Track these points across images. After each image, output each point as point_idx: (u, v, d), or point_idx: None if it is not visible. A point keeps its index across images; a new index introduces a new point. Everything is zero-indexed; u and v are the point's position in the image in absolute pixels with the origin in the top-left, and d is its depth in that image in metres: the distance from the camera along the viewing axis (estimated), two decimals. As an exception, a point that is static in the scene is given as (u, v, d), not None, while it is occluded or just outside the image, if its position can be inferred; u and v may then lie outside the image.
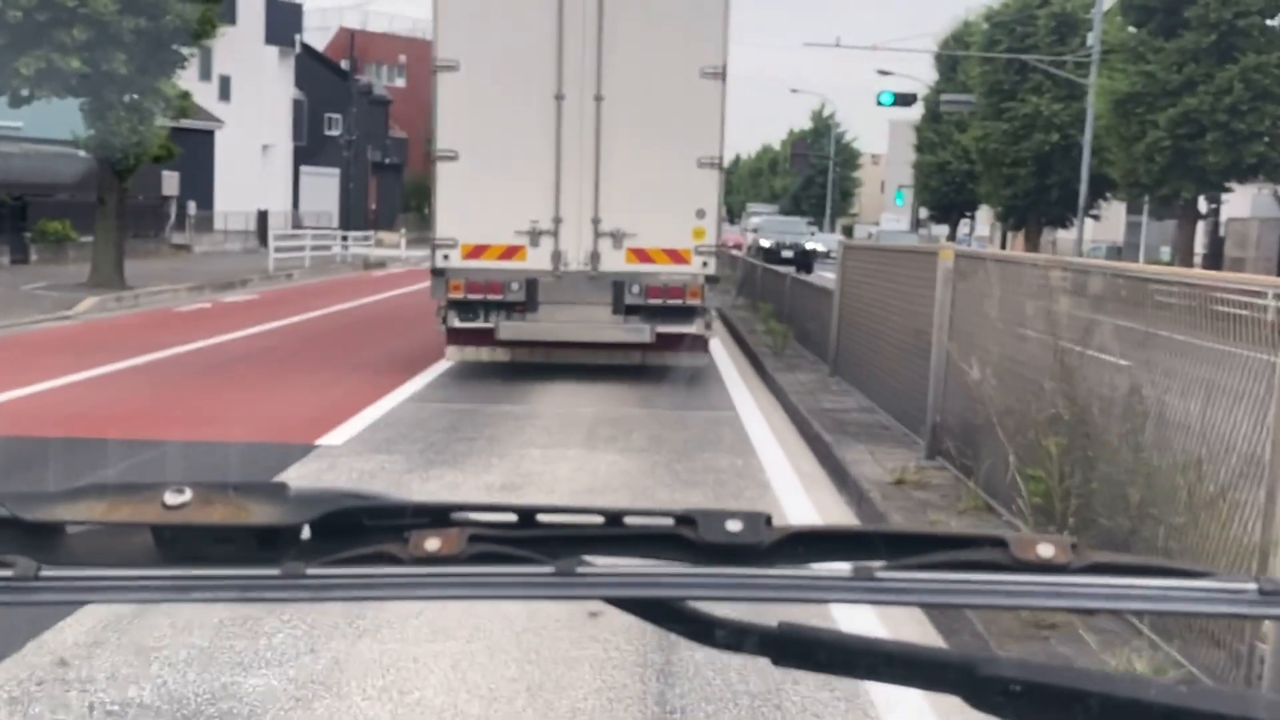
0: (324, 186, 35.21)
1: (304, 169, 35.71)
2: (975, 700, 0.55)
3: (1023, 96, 25.74)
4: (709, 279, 7.61)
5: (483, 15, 7.30)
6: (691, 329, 7.63)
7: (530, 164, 7.38)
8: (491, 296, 7.46)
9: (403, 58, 47.21)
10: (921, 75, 32.72)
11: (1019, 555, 0.57)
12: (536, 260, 7.50)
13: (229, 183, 27.59)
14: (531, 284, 7.52)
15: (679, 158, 7.38)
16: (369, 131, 38.29)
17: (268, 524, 0.57)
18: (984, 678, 0.55)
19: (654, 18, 7.37)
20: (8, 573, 0.55)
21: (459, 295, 7.47)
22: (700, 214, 7.45)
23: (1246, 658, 2.54)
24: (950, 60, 33.43)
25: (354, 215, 35.98)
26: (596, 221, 7.53)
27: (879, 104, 24.10)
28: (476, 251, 7.43)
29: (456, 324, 7.59)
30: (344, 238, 25.38)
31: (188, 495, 0.57)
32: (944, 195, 35.19)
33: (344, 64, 36.11)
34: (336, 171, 36.34)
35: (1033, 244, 28.47)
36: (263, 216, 27.70)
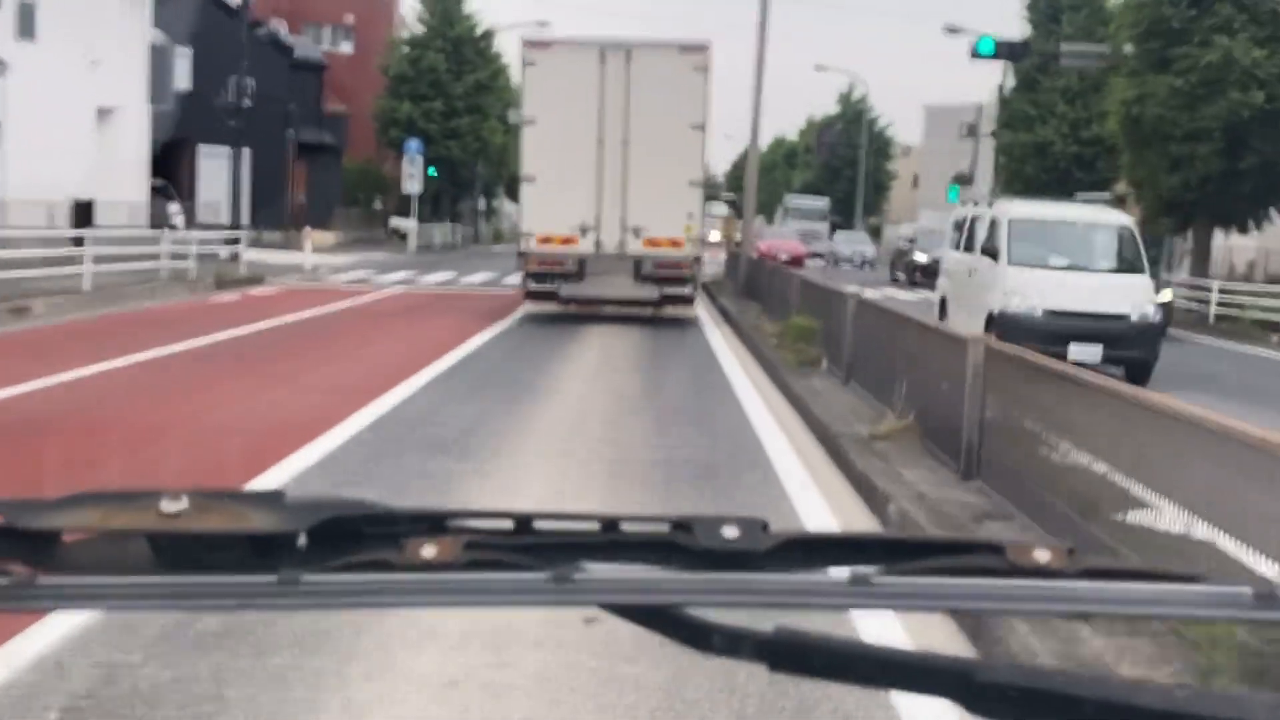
0: (234, 170, 33.37)
1: (203, 148, 34.42)
2: (971, 705, 0.72)
3: (1203, 39, 21.83)
4: (695, 258, 15.93)
5: (553, 89, 15.05)
6: (685, 290, 15.78)
7: (581, 183, 15.07)
8: (555, 269, 15.25)
9: (350, 18, 47.47)
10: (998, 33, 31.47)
11: (1015, 560, 0.75)
12: (585, 246, 15.21)
13: (32, 158, 22.53)
14: (582, 261, 15.21)
15: (676, 180, 15.13)
16: (293, 102, 37.10)
17: (264, 531, 0.74)
18: (980, 683, 0.71)
19: (660, 92, 14.97)
20: (5, 580, 0.72)
21: (534, 268, 15.33)
22: (690, 216, 15.39)
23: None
24: (1050, 8, 32.88)
25: (268, 208, 34.76)
26: (624, 220, 15.23)
27: (977, 55, 22.62)
28: (546, 240, 15.17)
29: (533, 287, 15.50)
30: (232, 240, 23.69)
31: (185, 503, 0.74)
32: (1043, 186, 33.72)
33: (277, 26, 35.90)
34: (247, 152, 33.49)
35: (1202, 250, 25.23)
36: (83, 208, 23.62)
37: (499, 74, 47.35)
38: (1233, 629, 3.08)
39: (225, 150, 33.66)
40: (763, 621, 0.74)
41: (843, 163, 62.10)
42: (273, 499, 0.76)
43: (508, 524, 0.77)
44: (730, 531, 0.76)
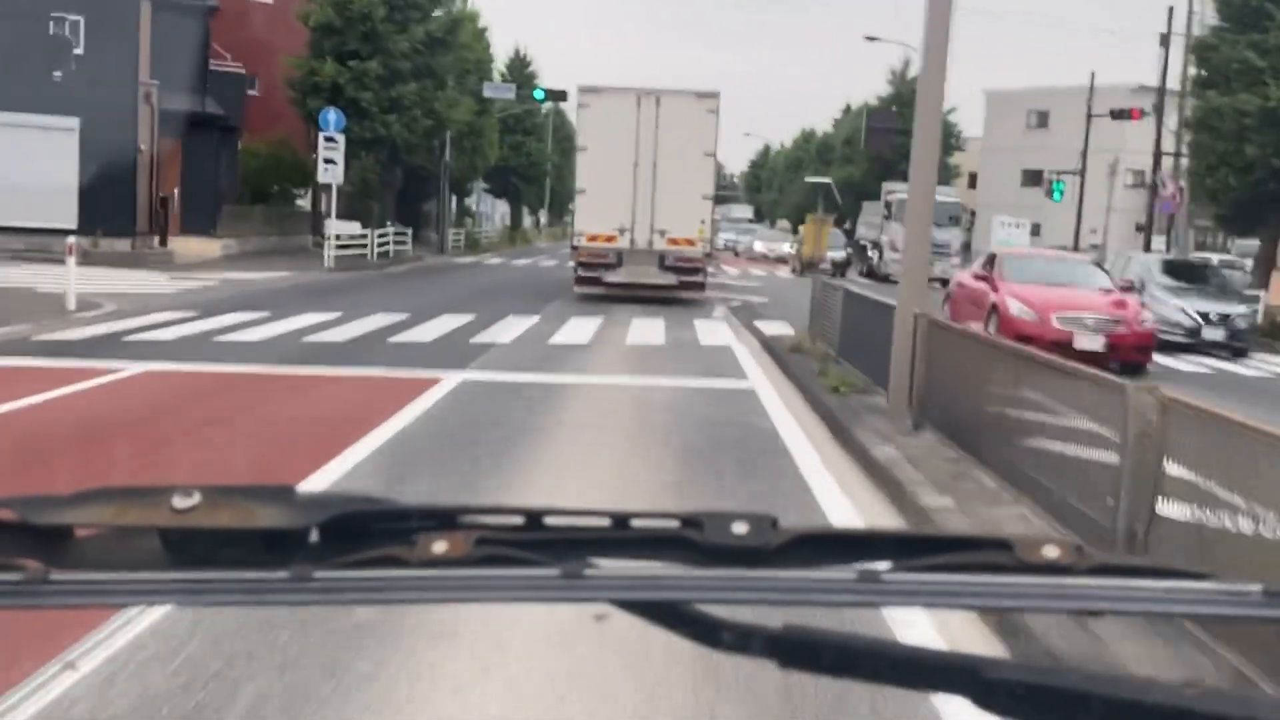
0: (49, 148, 30.66)
1: (5, 118, 31.02)
2: (980, 701, 0.91)
3: None
4: (706, 254, 28.00)
5: (601, 124, 26.81)
6: (697, 279, 27.49)
7: (620, 195, 26.67)
8: (600, 260, 26.98)
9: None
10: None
11: (1024, 557, 0.96)
12: (622, 243, 26.93)
13: None
14: (620, 254, 26.89)
15: (692, 194, 26.63)
16: (158, 56, 34.01)
17: (276, 527, 0.95)
18: (989, 680, 0.91)
19: (681, 127, 26.47)
20: (17, 576, 0.91)
21: (584, 259, 27.11)
22: (701, 222, 27.17)
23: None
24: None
25: (111, 204, 31.27)
26: (652, 224, 26.87)
27: None
28: (593, 238, 27.02)
29: (581, 274, 27.16)
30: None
31: (196, 498, 0.95)
32: (1276, 175, 28.89)
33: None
34: (75, 123, 31.43)
35: None
36: None
37: (458, 25, 45.14)
38: None
39: (48, 122, 30.72)
40: (772, 618, 0.93)
41: (896, 155, 60.12)
42: (284, 494, 0.97)
43: (518, 520, 0.98)
44: (740, 528, 0.96)
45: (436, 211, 51.31)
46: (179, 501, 0.95)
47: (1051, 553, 0.96)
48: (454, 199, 56.97)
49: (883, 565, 0.96)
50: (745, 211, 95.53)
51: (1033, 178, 66.72)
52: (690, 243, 26.92)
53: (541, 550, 0.95)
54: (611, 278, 26.80)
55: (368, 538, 0.96)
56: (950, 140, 65.19)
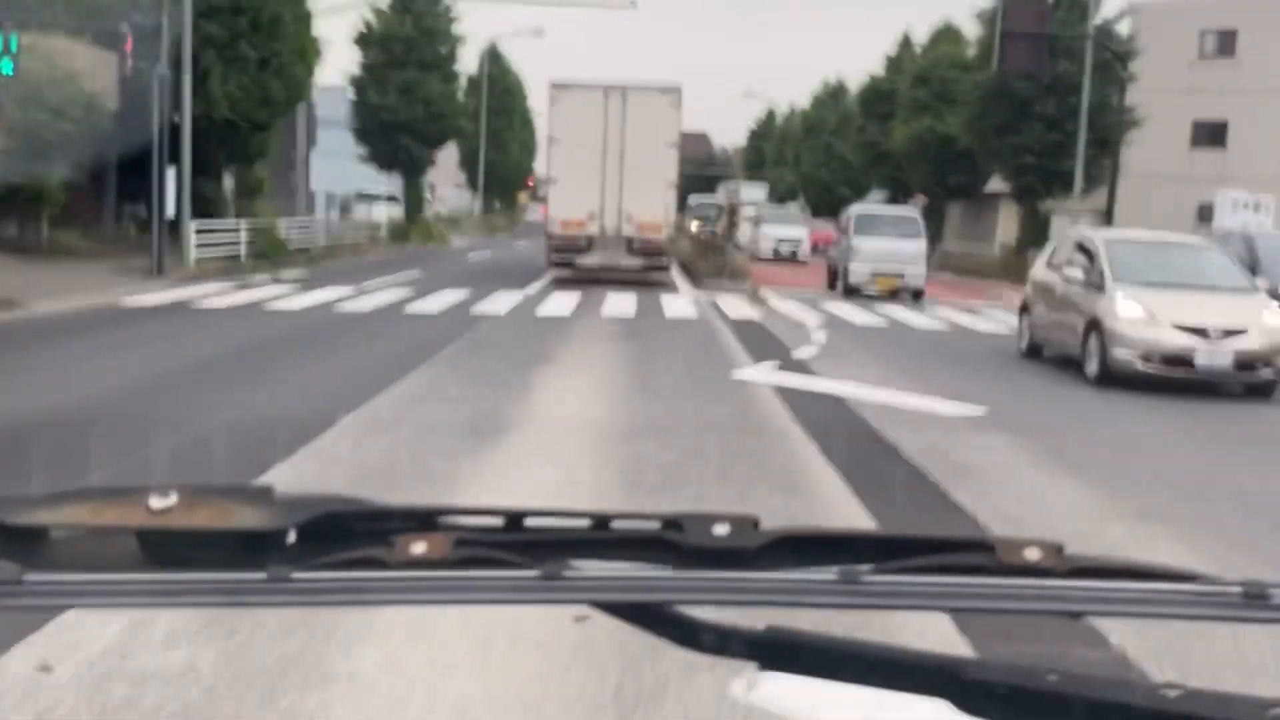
0: None
1: None
2: (961, 703, 1.03)
3: None
4: (670, 239, 34.68)
5: (571, 117, 32.98)
6: (662, 261, 34.36)
7: (591, 183, 33.40)
8: (572, 245, 33.69)
9: None
10: None
11: (1005, 559, 1.08)
12: (593, 228, 33.55)
13: None
14: (590, 239, 33.56)
15: (656, 181, 33.41)
16: None
17: (253, 528, 1.06)
18: (970, 681, 1.04)
19: (645, 120, 33.06)
20: None
21: (557, 244, 34.08)
22: (666, 208, 33.85)
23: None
24: None
25: None
26: (620, 210, 33.51)
27: None
28: (565, 224, 33.76)
29: (555, 258, 34.18)
30: None
31: (173, 499, 1.05)
32: None
33: None
34: None
35: None
36: None
37: None
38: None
39: None
40: (754, 619, 1.04)
41: (1034, 88, 44.12)
42: (262, 495, 1.07)
43: (498, 521, 1.10)
44: (721, 529, 1.07)
45: (240, 188, 36.74)
46: (155, 502, 1.05)
47: (1033, 555, 1.08)
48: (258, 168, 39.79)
49: (864, 567, 1.06)
50: (758, 192, 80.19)
51: (1209, 133, 53.47)
52: (656, 228, 32.75)
53: (521, 551, 1.06)
54: (584, 261, 32.71)
55: (346, 539, 1.06)
56: (1125, 63, 43.20)
